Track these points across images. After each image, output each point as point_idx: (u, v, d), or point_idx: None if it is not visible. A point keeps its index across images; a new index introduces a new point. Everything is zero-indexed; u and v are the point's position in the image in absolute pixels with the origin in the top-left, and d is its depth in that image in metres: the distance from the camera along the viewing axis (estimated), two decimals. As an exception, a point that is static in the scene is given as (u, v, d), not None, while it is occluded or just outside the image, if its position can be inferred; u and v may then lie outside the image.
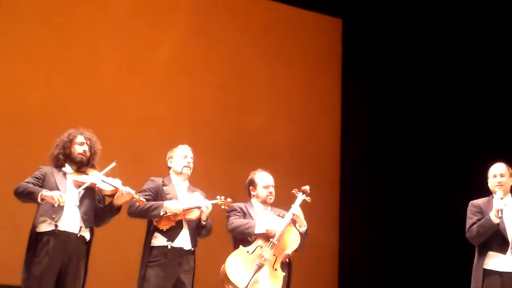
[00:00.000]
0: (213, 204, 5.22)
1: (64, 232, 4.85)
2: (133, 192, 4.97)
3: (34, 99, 6.65)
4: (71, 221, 4.88)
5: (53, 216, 4.83)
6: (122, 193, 4.95)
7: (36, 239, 4.85)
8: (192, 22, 7.53)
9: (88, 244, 4.99)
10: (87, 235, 4.96)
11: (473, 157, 5.87)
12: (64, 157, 5.05)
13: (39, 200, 4.80)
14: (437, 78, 7.97)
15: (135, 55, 7.23)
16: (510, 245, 5.17)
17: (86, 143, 5.09)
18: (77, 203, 4.92)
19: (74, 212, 4.90)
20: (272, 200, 5.41)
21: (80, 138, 5.08)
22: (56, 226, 4.83)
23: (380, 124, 8.13)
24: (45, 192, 4.80)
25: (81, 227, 4.90)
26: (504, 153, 5.78)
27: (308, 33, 8.11)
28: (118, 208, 5.07)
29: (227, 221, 5.33)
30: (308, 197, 5.40)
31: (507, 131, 7.37)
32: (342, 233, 8.08)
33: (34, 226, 4.89)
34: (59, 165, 5.04)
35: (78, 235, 4.89)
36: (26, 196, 4.87)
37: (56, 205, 4.77)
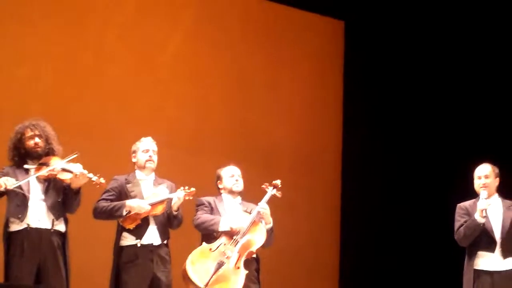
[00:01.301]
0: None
1: (36, 229, 4.81)
2: (91, 175, 4.84)
3: (46, 98, 6.61)
4: (41, 217, 4.83)
5: (19, 215, 4.79)
6: (76, 175, 4.82)
7: (9, 239, 4.84)
8: (197, 24, 7.49)
9: (64, 235, 4.93)
10: (61, 227, 4.91)
11: (470, 159, 5.78)
12: (22, 156, 4.94)
13: None
14: (437, 80, 7.94)
15: (143, 56, 7.19)
16: (497, 244, 5.27)
17: (34, 133, 4.95)
18: (43, 196, 4.86)
19: (40, 207, 4.84)
20: (238, 188, 5.38)
21: (28, 132, 4.95)
22: (28, 225, 4.79)
23: (381, 125, 8.11)
24: None
25: (53, 220, 4.85)
26: (492, 154, 5.89)
27: (310, 35, 8.07)
28: (77, 192, 4.94)
29: (194, 216, 5.32)
30: (279, 192, 5.38)
31: (496, 134, 7.43)
32: (343, 232, 8.04)
33: (6, 226, 4.85)
34: (19, 164, 4.93)
35: (52, 230, 4.84)
36: None
37: (2, 189, 4.68)
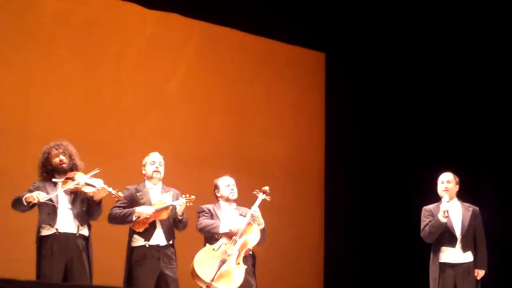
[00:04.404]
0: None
1: (64, 233, 4.98)
2: (110, 189, 5.05)
3: (70, 122, 6.75)
4: (68, 223, 5.01)
5: (50, 222, 4.96)
6: (98, 189, 5.01)
7: (41, 242, 5.00)
8: (199, 57, 7.62)
9: (87, 239, 5.10)
10: (85, 232, 5.08)
11: (435, 168, 5.99)
12: (50, 172, 5.11)
13: (24, 203, 4.92)
14: (409, 103, 8.03)
15: (152, 84, 7.29)
16: (458, 240, 5.56)
17: (59, 151, 5.11)
18: (70, 206, 5.05)
19: (68, 215, 5.03)
20: (234, 196, 5.53)
21: (53, 151, 5.13)
22: (57, 229, 4.97)
23: (357, 142, 8.26)
24: (27, 195, 4.93)
25: (78, 225, 5.03)
26: (452, 163, 6.19)
27: (296, 65, 8.21)
28: (98, 203, 5.12)
29: (197, 221, 5.45)
30: (268, 196, 5.52)
31: (457, 145, 7.62)
32: (327, 232, 8.16)
33: (38, 232, 5.03)
34: (48, 179, 5.11)
35: (77, 234, 5.03)
36: (17, 203, 4.98)
37: (36, 201, 4.86)
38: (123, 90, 7.18)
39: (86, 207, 5.13)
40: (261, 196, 5.50)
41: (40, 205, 5.00)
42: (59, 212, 5.00)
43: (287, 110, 8.16)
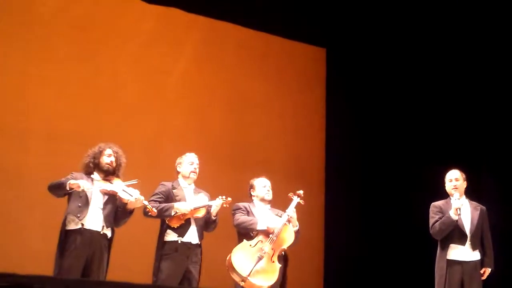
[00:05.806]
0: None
1: (89, 230, 4.98)
2: (146, 202, 5.07)
3: (69, 117, 6.72)
4: (95, 221, 5.01)
5: (78, 215, 4.95)
6: (136, 199, 5.06)
7: (65, 235, 4.98)
8: (199, 52, 7.56)
9: (109, 240, 5.11)
10: (108, 232, 5.09)
11: (437, 165, 5.98)
12: (94, 166, 5.17)
13: (67, 188, 4.91)
14: (411, 99, 8.00)
15: (152, 80, 7.24)
16: (468, 238, 5.46)
17: (113, 155, 5.20)
18: (101, 206, 5.05)
19: (97, 213, 5.03)
20: (269, 197, 5.56)
21: (108, 151, 5.21)
22: (82, 225, 4.96)
23: (358, 139, 8.22)
24: (72, 181, 4.93)
25: (103, 226, 5.03)
26: (458, 161, 6.10)
27: (297, 61, 8.17)
28: (131, 212, 5.16)
29: (233, 218, 5.44)
30: (302, 200, 5.57)
31: (462, 142, 7.56)
32: (327, 228, 8.13)
33: (63, 225, 5.01)
34: (88, 172, 5.16)
35: (101, 233, 5.03)
36: (57, 187, 4.97)
37: (80, 189, 4.89)
38: (122, 85, 7.11)
39: (115, 212, 5.13)
40: (295, 199, 5.56)
41: (72, 195, 5.00)
42: (90, 208, 5.00)
43: (287, 106, 8.13)
